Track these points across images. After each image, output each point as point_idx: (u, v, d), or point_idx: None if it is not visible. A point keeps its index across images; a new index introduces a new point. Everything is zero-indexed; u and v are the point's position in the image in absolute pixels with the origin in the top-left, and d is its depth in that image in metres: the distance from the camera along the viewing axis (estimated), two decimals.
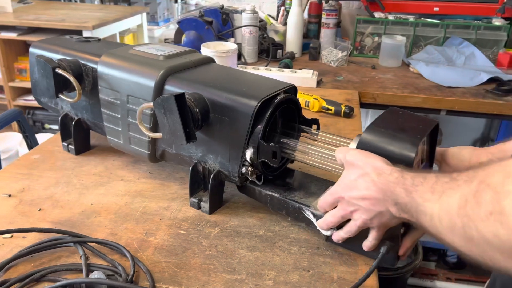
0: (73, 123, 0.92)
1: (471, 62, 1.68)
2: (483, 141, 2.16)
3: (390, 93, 1.43)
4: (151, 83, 0.74)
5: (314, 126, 0.77)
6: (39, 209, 0.75)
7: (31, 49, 0.95)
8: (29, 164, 0.90)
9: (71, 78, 0.81)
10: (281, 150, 0.71)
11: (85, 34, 2.28)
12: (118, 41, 2.74)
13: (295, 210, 0.68)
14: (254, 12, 1.61)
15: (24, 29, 2.49)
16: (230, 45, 1.26)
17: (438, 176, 0.48)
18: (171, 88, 0.73)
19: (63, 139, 0.96)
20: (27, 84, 2.61)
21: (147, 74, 0.75)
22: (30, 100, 2.64)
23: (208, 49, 1.23)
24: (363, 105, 1.44)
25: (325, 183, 0.74)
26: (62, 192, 0.80)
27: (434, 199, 0.46)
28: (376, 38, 1.80)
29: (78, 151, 0.94)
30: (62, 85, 0.84)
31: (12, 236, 0.68)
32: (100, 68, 0.81)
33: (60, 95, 0.83)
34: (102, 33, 2.41)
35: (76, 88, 0.82)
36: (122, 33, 2.79)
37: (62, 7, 2.86)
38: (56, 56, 0.88)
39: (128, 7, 3.12)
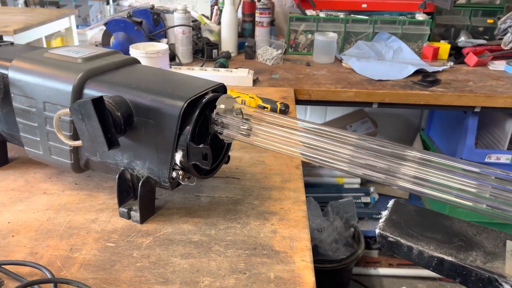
0: None
1: (399, 56, 1.75)
2: (415, 130, 2.28)
3: (324, 88, 1.46)
4: (69, 88, 0.68)
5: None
6: None
7: None
8: None
9: None
10: (220, 134, 0.69)
11: (6, 39, 2.12)
12: (45, 45, 2.58)
13: (480, 280, 0.52)
14: (186, 11, 1.57)
15: None
16: (160, 46, 1.22)
17: None
18: (91, 92, 0.69)
19: None
20: None
21: (64, 78, 0.70)
22: None
23: (137, 51, 1.18)
24: (299, 101, 1.46)
25: (498, 235, 0.60)
26: None
27: None
28: (310, 36, 1.83)
29: None
30: None
31: None
32: (12, 74, 0.74)
33: None
34: (26, 37, 2.25)
35: None
36: (49, 37, 2.63)
37: None
38: None
39: (54, 10, 2.96)
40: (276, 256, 0.64)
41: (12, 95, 0.75)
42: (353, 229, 1.76)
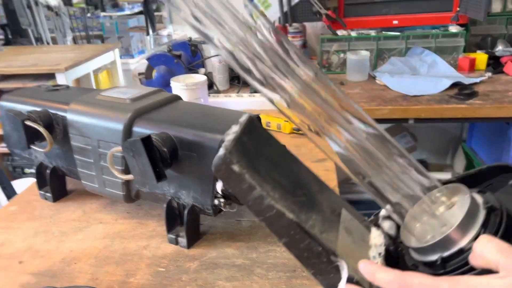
0: (48, 171, 0.94)
1: (434, 70, 1.74)
2: (456, 142, 2.23)
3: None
4: (120, 127, 0.76)
5: None
6: (20, 262, 0.76)
7: (0, 103, 0.96)
8: (7, 217, 0.91)
9: (41, 129, 0.83)
10: None
11: (58, 76, 2.30)
12: (92, 79, 2.76)
13: (309, 250, 0.41)
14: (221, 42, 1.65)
15: None
16: (199, 77, 1.30)
17: None
18: (140, 130, 0.76)
19: (40, 188, 0.97)
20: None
21: (115, 118, 0.77)
22: (4, 148, 2.63)
23: (178, 83, 1.27)
24: None
25: (337, 199, 0.53)
26: (42, 242, 0.81)
27: None
28: (342, 55, 1.86)
29: (56, 198, 0.95)
30: (33, 136, 0.85)
31: None
32: (70, 116, 0.83)
33: (32, 146, 0.85)
34: (76, 73, 2.43)
35: (47, 139, 0.84)
36: (96, 71, 2.82)
37: (33, 52, 2.88)
38: (26, 108, 0.90)
39: (100, 45, 3.17)
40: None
41: (71, 135, 0.84)
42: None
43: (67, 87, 1.00)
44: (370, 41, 1.84)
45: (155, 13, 4.06)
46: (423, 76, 1.68)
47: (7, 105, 0.94)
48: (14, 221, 0.89)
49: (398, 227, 0.47)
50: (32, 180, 1.03)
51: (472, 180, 0.45)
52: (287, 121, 1.26)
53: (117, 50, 3.00)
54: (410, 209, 0.43)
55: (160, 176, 0.68)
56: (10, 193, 1.19)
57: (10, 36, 4.55)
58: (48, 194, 0.95)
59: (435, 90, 1.55)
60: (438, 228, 0.39)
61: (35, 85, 1.09)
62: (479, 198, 0.40)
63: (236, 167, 0.41)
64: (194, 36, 1.96)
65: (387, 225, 0.47)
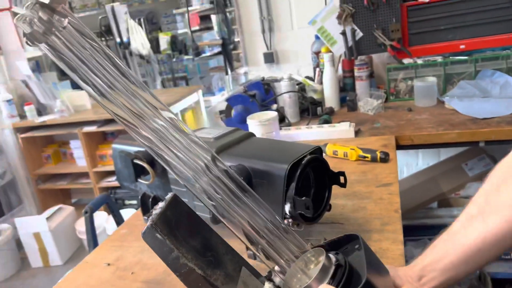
0: (150, 200, 1.14)
1: (507, 91, 1.73)
2: None
3: (425, 133, 1.53)
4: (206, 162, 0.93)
5: (342, 178, 0.92)
6: (132, 273, 0.95)
7: (113, 145, 1.20)
8: (120, 238, 1.12)
9: (146, 166, 1.04)
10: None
11: None
12: (180, 118, 3.08)
13: None
14: (290, 79, 1.82)
15: (102, 122, 2.91)
16: (271, 114, 1.46)
17: None
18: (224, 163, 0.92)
19: (144, 214, 1.17)
20: (108, 168, 3.00)
21: (202, 155, 0.95)
22: (111, 181, 3.01)
23: (253, 120, 1.44)
24: (401, 147, 1.55)
25: (239, 259, 0.65)
26: (148, 257, 1.00)
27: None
28: (409, 82, 1.92)
29: None
30: (139, 171, 1.06)
31: None
32: (169, 157, 1.03)
33: (139, 179, 1.06)
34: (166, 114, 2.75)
35: (150, 173, 1.04)
36: (183, 111, 3.15)
37: None
38: (133, 149, 1.12)
39: (185, 88, 3.53)
40: None
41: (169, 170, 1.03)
42: (478, 271, 1.70)
43: None
44: (437, 67, 1.88)
45: (233, 52, 4.40)
46: (493, 98, 1.68)
47: (118, 147, 1.17)
48: (125, 241, 1.10)
49: None
50: (132, 210, 1.24)
51: (335, 244, 0.61)
52: (353, 149, 1.36)
53: (200, 91, 3.32)
54: (288, 269, 0.57)
55: None
56: (119, 220, 1.44)
57: None
58: None
59: (506, 112, 1.55)
60: (304, 282, 0.55)
61: None
62: (333, 258, 0.55)
63: (158, 235, 0.55)
64: (267, 75, 2.16)
65: (277, 279, 0.60)
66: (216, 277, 0.57)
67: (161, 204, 0.58)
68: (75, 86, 3.90)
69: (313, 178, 0.92)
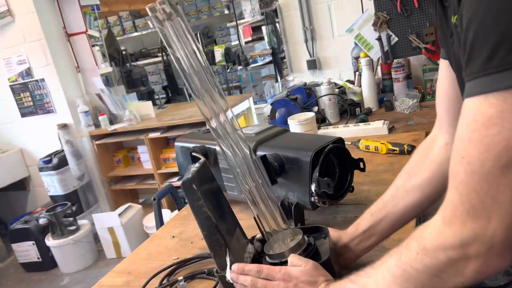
0: None
1: None
2: None
3: None
4: (248, 151, 1.15)
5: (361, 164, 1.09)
6: (191, 242, 1.19)
7: (175, 143, 1.45)
8: (181, 217, 1.37)
9: (201, 157, 1.27)
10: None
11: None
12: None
13: (218, 245, 0.81)
14: (329, 83, 2.00)
15: (164, 128, 3.24)
16: (308, 114, 1.65)
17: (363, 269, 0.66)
18: (261, 152, 1.13)
19: None
20: (170, 169, 3.33)
21: (245, 146, 1.17)
22: (174, 182, 3.33)
23: (292, 120, 1.64)
24: None
25: (236, 222, 0.90)
26: None
27: (375, 272, 0.63)
28: None
29: None
30: (196, 162, 1.30)
31: (178, 258, 1.11)
32: (218, 148, 1.26)
33: None
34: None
35: None
36: (236, 117, 3.40)
37: (189, 106, 3.62)
38: (190, 145, 1.36)
39: (238, 96, 3.80)
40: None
41: (219, 160, 1.26)
42: None
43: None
44: None
45: (284, 60, 4.62)
46: None
47: (180, 144, 1.42)
48: (186, 220, 1.34)
49: (263, 246, 0.85)
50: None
51: (312, 229, 0.88)
52: (383, 144, 1.52)
53: (251, 98, 3.57)
54: (273, 236, 0.83)
55: (273, 181, 1.04)
56: (180, 207, 1.69)
57: (170, 95, 5.64)
58: None
59: None
60: (283, 248, 0.80)
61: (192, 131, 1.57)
62: (306, 238, 0.81)
63: (194, 186, 0.77)
64: (310, 81, 2.35)
65: (257, 243, 0.87)
66: (222, 227, 0.80)
67: (196, 165, 0.83)
68: (141, 97, 4.32)
69: (337, 164, 1.10)
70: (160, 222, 1.53)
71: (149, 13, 0.70)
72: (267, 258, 0.83)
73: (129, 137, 3.32)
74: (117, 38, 5.58)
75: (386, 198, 0.87)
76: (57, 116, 3.35)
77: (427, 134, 1.65)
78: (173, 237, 1.25)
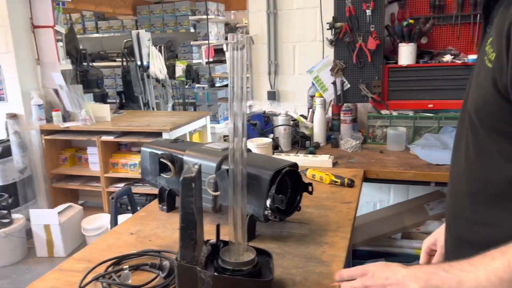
0: (166, 192, 1.49)
1: None
2: None
3: (388, 170, 1.89)
4: (214, 164, 1.29)
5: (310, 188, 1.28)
6: (149, 240, 1.29)
7: (142, 148, 1.56)
8: (140, 218, 1.47)
9: (169, 164, 1.40)
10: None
11: (164, 135, 3.01)
12: (188, 139, 3.46)
13: (190, 239, 0.93)
14: (286, 115, 2.21)
15: (119, 133, 3.28)
16: (266, 140, 1.83)
17: (467, 259, 0.65)
18: (225, 166, 1.28)
19: (160, 203, 1.52)
20: (118, 175, 3.34)
21: (212, 159, 1.31)
22: (118, 187, 3.35)
23: (251, 143, 1.81)
24: (368, 179, 1.91)
25: (202, 227, 1.00)
26: (161, 232, 1.34)
27: (475, 269, 0.63)
28: (384, 129, 2.31)
29: (169, 210, 1.49)
30: (162, 168, 1.42)
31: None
32: (186, 158, 1.39)
33: (162, 174, 1.42)
34: (177, 133, 3.13)
35: (171, 170, 1.40)
36: (191, 133, 3.52)
37: (145, 115, 3.69)
38: (159, 152, 1.48)
39: (195, 112, 3.92)
40: (322, 262, 1.11)
41: (184, 169, 1.39)
42: None
43: (182, 140, 1.59)
44: (408, 120, 2.27)
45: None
46: (450, 150, 2.06)
47: (148, 150, 1.53)
48: (144, 220, 1.44)
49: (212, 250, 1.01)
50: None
51: (259, 250, 1.01)
52: (327, 175, 1.72)
53: (208, 117, 3.71)
54: (230, 245, 0.98)
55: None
56: (135, 210, 1.77)
57: (124, 101, 5.62)
58: (164, 207, 1.50)
59: None
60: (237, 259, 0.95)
61: (146, 140, 1.66)
62: (256, 257, 0.97)
63: (193, 184, 0.89)
64: (268, 110, 2.55)
65: (208, 247, 1.02)
66: (197, 225, 0.92)
67: (196, 167, 0.94)
68: (97, 99, 4.30)
69: (290, 185, 1.28)
70: (115, 220, 1.60)
71: (229, 39, 0.85)
72: (219, 262, 0.96)
73: (80, 136, 3.31)
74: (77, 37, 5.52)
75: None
76: (8, 105, 3.28)
77: (365, 172, 1.89)
78: (132, 234, 1.34)
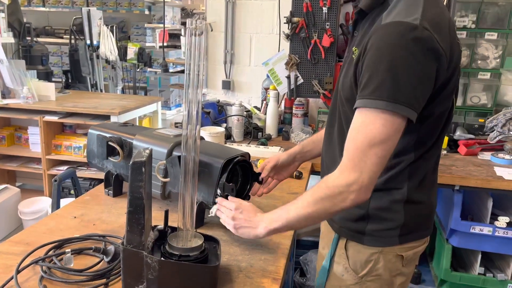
0: (113, 177, 1.45)
1: None
2: None
3: None
4: (165, 150, 1.28)
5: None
6: (93, 224, 1.26)
7: (90, 130, 1.50)
8: (84, 202, 1.42)
9: (117, 147, 1.36)
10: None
11: (112, 118, 2.91)
12: (137, 123, 3.37)
13: (137, 223, 0.91)
14: (240, 106, 2.21)
15: (63, 114, 3.13)
16: (219, 129, 1.83)
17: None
18: (176, 153, 1.27)
19: (106, 187, 1.48)
20: (61, 157, 3.20)
21: (163, 145, 1.29)
22: (60, 170, 3.20)
23: (204, 132, 1.80)
24: (317, 172, 1.97)
25: (150, 212, 1.01)
26: (106, 216, 1.31)
27: (290, 204, 1.01)
28: None
29: (115, 195, 1.46)
30: (110, 152, 1.38)
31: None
32: (135, 142, 1.36)
33: (110, 158, 1.38)
34: (126, 117, 3.04)
35: (120, 154, 1.36)
36: (141, 118, 3.44)
37: (93, 96, 3.55)
38: (107, 135, 1.44)
39: (146, 97, 3.82)
40: (268, 250, 1.14)
41: (134, 153, 1.36)
42: None
43: (132, 125, 1.55)
44: None
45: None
46: None
47: (96, 132, 1.48)
48: (88, 204, 1.40)
49: (159, 235, 1.03)
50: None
51: (207, 237, 1.05)
52: None
53: (159, 103, 3.63)
54: (179, 231, 1.01)
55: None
56: (79, 193, 1.70)
57: (70, 81, 5.35)
58: (110, 192, 1.46)
59: None
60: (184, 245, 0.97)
61: (93, 123, 1.60)
62: (204, 244, 1.00)
63: (143, 168, 0.87)
64: (222, 99, 2.54)
65: (156, 232, 1.04)
66: (146, 209, 0.91)
67: (147, 151, 0.93)
68: (41, 77, 4.07)
69: (240, 174, 1.29)
70: (57, 204, 1.54)
71: (187, 24, 0.84)
72: (166, 247, 0.97)
73: (21, 115, 3.12)
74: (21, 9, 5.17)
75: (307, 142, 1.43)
76: None
77: (312, 165, 1.95)
78: (75, 217, 1.30)
